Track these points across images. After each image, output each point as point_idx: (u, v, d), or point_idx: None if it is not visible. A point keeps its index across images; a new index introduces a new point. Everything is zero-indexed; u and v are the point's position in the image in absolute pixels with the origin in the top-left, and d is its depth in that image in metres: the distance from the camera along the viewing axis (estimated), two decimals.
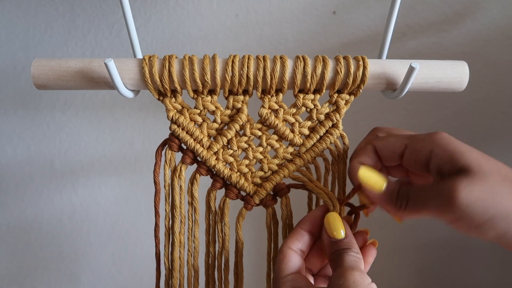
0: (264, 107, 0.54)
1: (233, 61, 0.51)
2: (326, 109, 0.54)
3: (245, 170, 0.55)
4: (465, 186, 0.41)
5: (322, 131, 0.54)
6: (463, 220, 0.42)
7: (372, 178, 0.47)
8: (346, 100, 0.54)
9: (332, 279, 0.44)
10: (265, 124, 0.54)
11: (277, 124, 0.54)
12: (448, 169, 0.44)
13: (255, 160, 0.55)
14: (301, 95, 0.53)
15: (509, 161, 0.92)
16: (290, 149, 0.55)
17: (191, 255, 0.57)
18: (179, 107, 0.54)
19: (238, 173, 0.55)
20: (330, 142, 0.55)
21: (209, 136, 0.55)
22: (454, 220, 0.43)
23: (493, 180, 0.41)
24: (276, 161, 0.55)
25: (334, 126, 0.55)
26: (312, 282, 0.52)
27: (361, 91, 0.53)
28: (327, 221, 0.50)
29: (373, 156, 0.50)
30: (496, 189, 0.41)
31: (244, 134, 0.55)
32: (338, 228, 0.49)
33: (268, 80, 0.51)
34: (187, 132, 0.54)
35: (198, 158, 0.55)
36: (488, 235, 0.43)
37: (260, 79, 0.51)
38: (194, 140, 0.54)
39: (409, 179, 0.54)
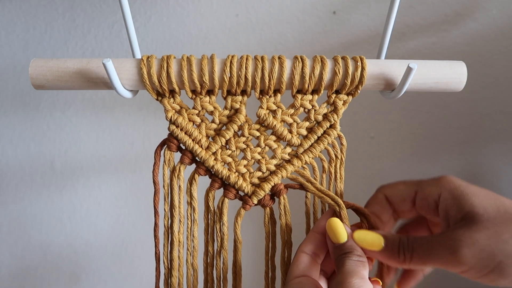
0: (262, 108, 0.54)
1: (231, 62, 0.51)
2: (324, 109, 0.54)
3: (243, 170, 0.55)
4: (468, 238, 0.41)
5: (320, 131, 0.54)
6: (471, 271, 0.42)
7: (368, 239, 0.48)
8: (344, 101, 0.54)
9: (331, 286, 0.44)
10: (263, 124, 0.54)
11: (275, 124, 0.54)
12: (454, 214, 0.44)
13: (253, 160, 0.56)
14: (299, 96, 0.53)
15: (509, 161, 0.92)
16: (288, 150, 0.55)
17: (190, 254, 0.57)
18: (178, 107, 0.54)
19: (236, 174, 0.55)
20: (328, 143, 0.55)
21: (207, 136, 0.55)
22: (463, 271, 0.43)
23: (499, 223, 0.41)
24: (274, 161, 0.55)
25: (332, 126, 0.54)
26: (326, 285, 0.53)
27: (359, 91, 0.53)
28: (329, 226, 0.50)
29: (385, 204, 0.51)
30: (501, 233, 0.41)
31: (242, 135, 0.55)
32: (339, 233, 0.49)
33: (266, 81, 0.51)
34: (185, 133, 0.54)
35: (197, 158, 0.55)
36: (500, 281, 0.42)
37: (258, 80, 0.51)
38: (193, 140, 0.54)
39: (412, 230, 0.55)
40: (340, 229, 0.49)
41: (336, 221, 0.50)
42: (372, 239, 0.48)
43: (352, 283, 0.43)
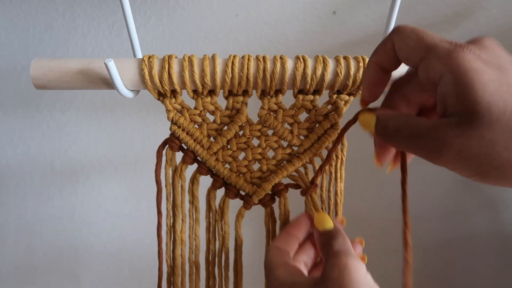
0: (263, 108, 0.54)
1: (232, 62, 0.51)
2: (325, 109, 0.54)
3: (244, 170, 0.55)
4: (457, 143, 0.36)
5: (321, 132, 0.54)
6: (452, 170, 0.39)
7: (362, 118, 0.46)
8: (345, 101, 0.54)
9: (325, 270, 0.43)
10: (264, 125, 0.54)
11: (276, 125, 0.54)
12: (453, 103, 0.37)
13: (254, 160, 0.56)
14: (301, 96, 0.53)
15: None
16: (289, 150, 0.55)
17: (192, 253, 0.58)
18: (179, 107, 0.54)
19: (237, 173, 0.55)
20: (329, 143, 0.55)
21: (209, 136, 0.55)
22: (445, 166, 0.39)
23: (498, 131, 0.35)
24: (275, 161, 0.55)
25: (333, 127, 0.55)
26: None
27: (360, 92, 0.53)
28: (317, 219, 0.51)
29: (392, 55, 0.43)
30: (495, 143, 0.35)
31: (244, 135, 0.55)
32: (327, 221, 0.50)
33: (268, 81, 0.51)
34: (187, 133, 0.54)
35: (198, 158, 0.55)
36: (480, 181, 0.39)
37: (260, 80, 0.51)
38: (194, 140, 0.54)
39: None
40: (328, 219, 0.50)
41: (324, 214, 0.51)
42: (366, 119, 0.45)
43: (348, 263, 0.42)
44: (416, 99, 0.46)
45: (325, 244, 0.47)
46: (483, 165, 0.36)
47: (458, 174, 0.40)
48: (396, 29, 0.43)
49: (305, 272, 0.51)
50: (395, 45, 0.42)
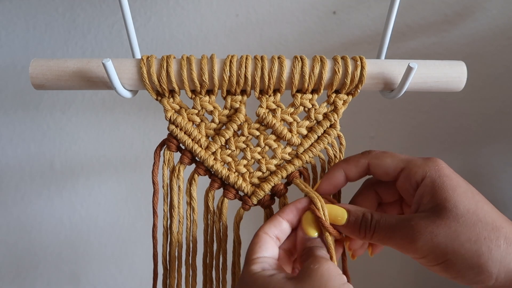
0: (261, 107, 0.53)
1: (231, 61, 0.51)
2: (324, 108, 0.54)
3: (243, 170, 0.55)
4: (428, 232, 0.43)
5: (320, 131, 0.54)
6: (422, 260, 0.45)
7: (332, 212, 0.48)
8: (344, 100, 0.54)
9: (306, 264, 0.43)
10: (262, 123, 0.54)
11: (274, 123, 0.54)
12: (426, 202, 0.45)
13: (253, 160, 0.55)
14: (299, 95, 0.53)
15: (509, 161, 0.92)
16: (288, 149, 0.55)
17: (189, 255, 0.57)
18: (177, 107, 0.54)
19: (236, 173, 0.55)
20: (328, 142, 0.55)
21: (207, 136, 0.55)
22: (415, 258, 0.45)
23: (462, 224, 0.43)
24: (274, 161, 0.55)
25: (332, 126, 0.54)
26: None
27: (359, 91, 0.53)
28: (305, 218, 0.49)
29: (362, 171, 0.51)
30: (459, 234, 0.42)
31: (242, 134, 0.55)
32: (314, 227, 0.48)
33: (266, 80, 0.51)
34: (185, 133, 0.54)
35: (196, 158, 0.55)
36: (442, 274, 0.44)
37: (258, 79, 0.51)
38: (192, 140, 0.54)
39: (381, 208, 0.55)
40: (315, 225, 0.48)
41: (311, 215, 0.49)
42: (336, 212, 0.48)
43: (329, 264, 0.43)
44: (382, 197, 0.54)
45: (307, 251, 0.47)
46: (448, 253, 0.42)
47: (426, 265, 0.45)
48: (368, 152, 0.51)
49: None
50: (370, 164, 0.50)
